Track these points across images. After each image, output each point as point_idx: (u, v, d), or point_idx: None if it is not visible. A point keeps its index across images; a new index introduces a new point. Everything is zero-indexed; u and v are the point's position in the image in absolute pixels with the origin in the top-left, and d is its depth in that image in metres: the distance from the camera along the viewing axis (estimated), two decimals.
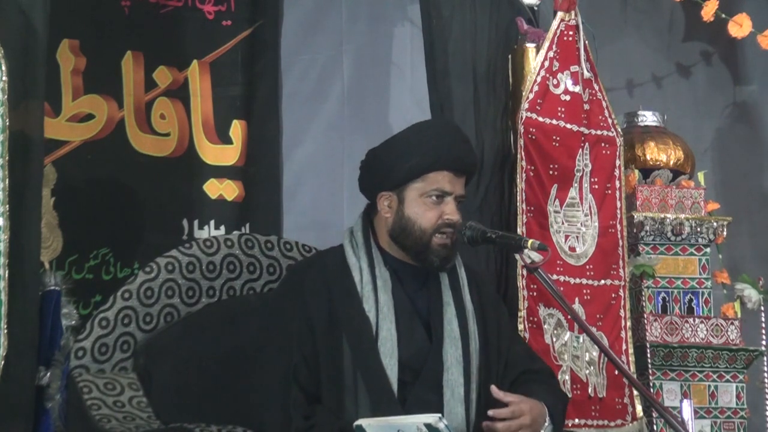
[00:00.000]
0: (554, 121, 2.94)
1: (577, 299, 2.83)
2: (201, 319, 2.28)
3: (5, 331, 2.11)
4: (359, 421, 1.85)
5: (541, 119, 2.92)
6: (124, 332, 2.20)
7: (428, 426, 1.75)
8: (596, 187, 3.00)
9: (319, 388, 2.00)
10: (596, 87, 3.06)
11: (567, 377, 2.70)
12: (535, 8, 3.02)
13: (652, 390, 3.03)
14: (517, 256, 1.98)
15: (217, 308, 2.30)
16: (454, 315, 2.08)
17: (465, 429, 1.99)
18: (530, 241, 1.96)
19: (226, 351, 2.22)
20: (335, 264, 2.11)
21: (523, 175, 2.85)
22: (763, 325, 3.22)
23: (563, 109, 2.96)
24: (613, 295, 2.91)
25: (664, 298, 3.20)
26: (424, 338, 2.06)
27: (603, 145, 3.05)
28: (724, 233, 3.25)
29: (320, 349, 2.01)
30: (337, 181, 3.20)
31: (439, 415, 1.76)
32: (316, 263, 2.14)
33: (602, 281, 2.91)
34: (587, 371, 2.75)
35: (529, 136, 2.89)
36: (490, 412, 1.92)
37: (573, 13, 2.95)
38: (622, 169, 3.05)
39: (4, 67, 2.11)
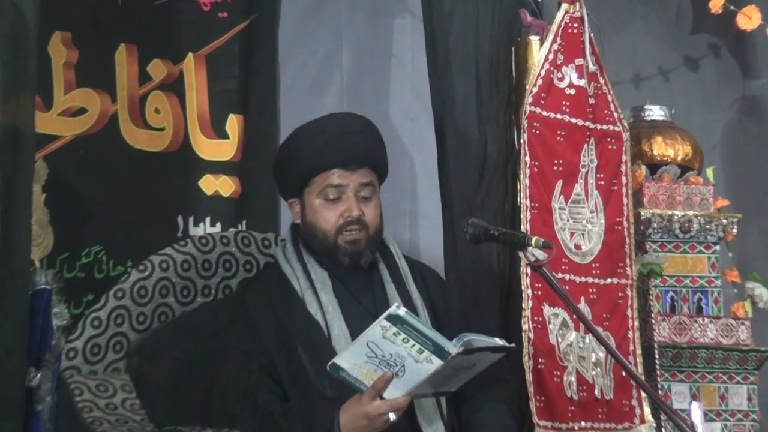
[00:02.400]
0: (559, 116, 2.93)
1: (582, 298, 2.82)
2: (196, 318, 2.27)
3: None
4: (332, 360, 1.87)
5: (545, 113, 2.91)
6: (117, 332, 2.19)
7: (391, 318, 1.75)
8: (602, 183, 2.99)
9: (285, 394, 2.01)
10: (602, 80, 3.04)
11: (573, 378, 2.69)
12: (539, 0, 3.00)
13: (660, 392, 3.02)
14: (521, 254, 1.97)
15: (213, 308, 2.29)
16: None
17: (438, 414, 1.98)
18: (534, 239, 1.95)
19: (222, 350, 2.20)
20: (273, 277, 2.14)
21: (527, 170, 2.83)
22: None
23: (568, 103, 2.95)
24: (619, 294, 2.90)
25: (672, 298, 3.18)
26: None
27: (609, 140, 3.03)
28: (734, 230, 3.23)
29: (277, 360, 2.03)
30: None
31: (396, 303, 1.76)
32: (253, 283, 2.18)
33: (609, 280, 2.90)
34: (593, 372, 2.74)
35: (533, 130, 2.87)
36: None
37: (578, 4, 2.94)
38: (629, 164, 3.03)
39: None
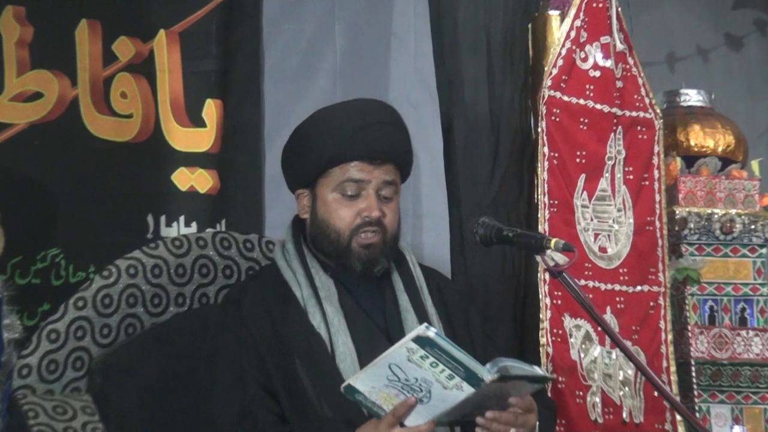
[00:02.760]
0: (582, 101, 2.95)
1: (608, 308, 2.83)
2: (169, 331, 2.27)
3: None
4: (347, 381, 1.85)
5: (566, 98, 2.92)
6: (78, 347, 2.18)
7: (419, 340, 1.73)
8: (631, 177, 3.00)
9: (284, 414, 2.01)
10: (631, 61, 3.06)
11: (597, 399, 2.70)
12: None
13: (698, 414, 3.02)
14: (539, 258, 1.97)
15: (187, 319, 2.29)
16: (416, 321, 2.08)
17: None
18: (554, 241, 1.95)
19: (198, 368, 2.19)
20: (271, 282, 2.13)
21: (546, 163, 2.85)
22: None
23: (592, 87, 2.97)
24: (651, 304, 2.91)
25: (711, 307, 3.19)
26: (386, 348, 2.04)
27: (639, 128, 3.05)
28: None
29: (275, 379, 2.02)
30: None
31: (425, 324, 1.75)
32: (249, 288, 2.16)
33: (638, 287, 2.91)
34: (621, 392, 2.75)
35: (553, 117, 2.89)
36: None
37: None
38: (662, 156, 3.05)
39: None
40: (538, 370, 1.89)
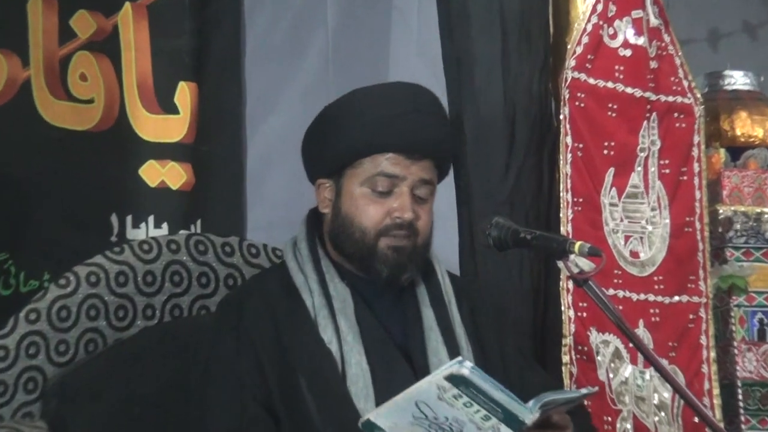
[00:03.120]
0: (610, 84, 2.94)
1: (641, 322, 2.83)
2: (136, 348, 2.27)
3: None
4: (367, 416, 1.84)
5: (592, 81, 2.92)
6: (30, 366, 2.18)
7: (452, 379, 1.72)
8: (667, 171, 3.00)
9: None
10: (667, 38, 3.05)
11: (629, 426, 2.70)
12: None
13: None
14: (561, 265, 1.97)
15: (157, 334, 2.30)
16: (441, 341, 2.09)
17: None
18: (578, 244, 1.95)
19: (170, 391, 2.21)
20: (278, 287, 2.12)
21: (569, 155, 2.84)
22: None
23: (622, 68, 2.96)
24: (690, 317, 2.91)
25: (761, 321, 3.19)
26: (406, 372, 2.06)
27: (676, 115, 3.04)
28: None
29: (275, 397, 2.02)
30: None
31: (459, 358, 1.74)
32: (253, 290, 2.15)
33: (676, 298, 2.91)
34: (656, 418, 2.75)
35: (577, 103, 2.89)
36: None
37: None
38: (703, 147, 3.04)
39: None
40: (583, 391, 1.89)
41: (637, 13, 2.98)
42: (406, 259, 2.07)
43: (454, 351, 2.08)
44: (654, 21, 3.01)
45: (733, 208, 3.23)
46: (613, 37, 2.96)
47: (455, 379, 1.72)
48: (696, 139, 3.05)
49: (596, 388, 1.98)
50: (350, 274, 2.11)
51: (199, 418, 2.04)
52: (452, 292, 2.17)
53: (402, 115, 2.07)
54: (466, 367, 1.71)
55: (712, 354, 2.90)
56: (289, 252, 2.16)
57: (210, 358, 2.08)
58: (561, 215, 2.81)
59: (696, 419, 2.73)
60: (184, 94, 3.02)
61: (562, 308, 2.73)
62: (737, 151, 3.35)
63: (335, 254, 2.13)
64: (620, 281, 2.84)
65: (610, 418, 2.66)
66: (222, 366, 2.05)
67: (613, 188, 2.90)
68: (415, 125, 2.07)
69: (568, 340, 2.70)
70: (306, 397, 2.00)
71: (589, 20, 2.92)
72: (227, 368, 2.04)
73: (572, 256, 1.94)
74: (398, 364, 2.06)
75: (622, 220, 2.90)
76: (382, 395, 1.98)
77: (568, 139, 2.85)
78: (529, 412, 1.74)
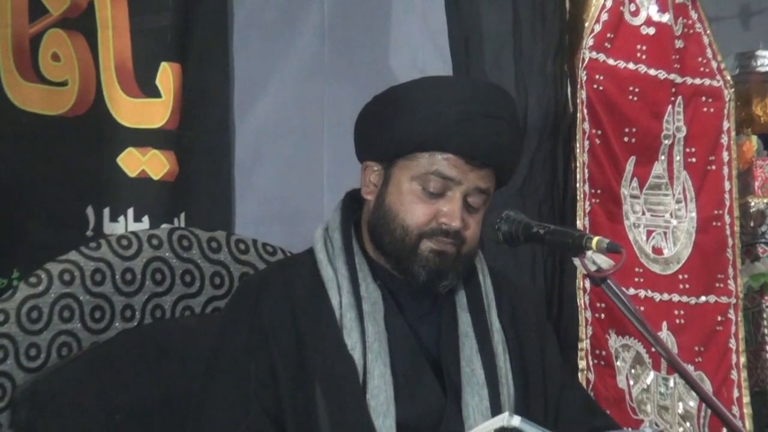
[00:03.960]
0: (632, 65, 2.95)
1: (665, 324, 2.83)
2: (113, 352, 2.27)
3: None
4: None
5: (612, 62, 2.92)
6: None
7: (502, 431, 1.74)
8: (694, 160, 3.00)
9: None
10: (694, 15, 3.06)
11: None
12: None
13: None
14: (577, 261, 1.97)
15: (137, 337, 2.30)
16: (476, 350, 2.09)
17: None
18: (596, 240, 1.95)
19: (151, 399, 2.22)
20: (303, 279, 2.11)
21: (586, 143, 2.85)
22: None
23: (645, 48, 2.96)
24: (718, 318, 2.91)
25: None
26: (434, 387, 2.06)
27: (704, 99, 3.05)
28: None
29: (285, 403, 2.01)
30: (313, 152, 3.19)
31: (506, 413, 1.74)
32: (274, 279, 2.14)
33: (702, 298, 2.91)
34: (681, 429, 2.76)
35: (595, 86, 2.89)
36: None
37: None
38: (733, 134, 3.04)
39: None
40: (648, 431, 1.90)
41: None
42: (448, 266, 2.07)
43: (489, 361, 2.08)
44: None
45: (765, 200, 3.24)
46: (635, 13, 2.96)
47: None
48: (725, 125, 3.06)
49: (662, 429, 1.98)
50: (384, 273, 2.11)
51: (195, 417, 2.05)
52: (492, 294, 2.16)
53: (472, 118, 2.06)
54: (516, 419, 1.72)
55: (742, 359, 2.90)
56: (319, 241, 2.14)
57: (217, 351, 2.08)
58: (577, 208, 2.81)
59: (724, 430, 2.74)
60: (167, 75, 3.02)
61: (578, 309, 2.73)
62: None
63: (371, 248, 2.13)
64: (642, 280, 2.85)
65: (630, 430, 2.67)
66: (229, 362, 2.05)
67: (635, 178, 2.91)
68: (483, 131, 2.06)
69: (584, 344, 2.70)
70: (319, 406, 1.99)
71: None
72: (234, 366, 2.04)
73: (589, 253, 1.94)
74: (427, 378, 2.06)
75: (643, 214, 2.91)
76: (403, 413, 2.00)
77: (585, 125, 2.86)
78: None
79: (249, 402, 2.00)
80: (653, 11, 2.97)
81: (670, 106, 2.99)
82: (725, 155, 3.04)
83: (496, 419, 1.75)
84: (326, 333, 2.04)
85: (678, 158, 2.98)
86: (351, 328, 2.04)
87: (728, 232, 2.97)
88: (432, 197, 2.06)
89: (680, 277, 2.90)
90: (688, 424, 2.78)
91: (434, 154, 2.06)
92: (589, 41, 2.89)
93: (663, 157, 2.96)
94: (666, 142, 2.97)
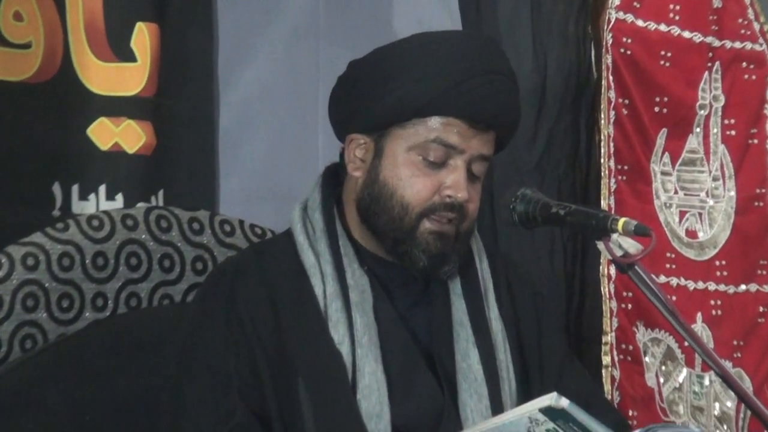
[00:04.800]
0: (663, 27, 2.95)
1: (699, 315, 2.84)
2: (83, 345, 2.27)
3: None
4: None
5: (641, 23, 2.93)
6: None
7: (548, 411, 1.77)
8: (733, 133, 3.00)
9: None
10: None
11: None
12: None
13: None
14: (601, 246, 1.97)
15: (110, 328, 2.31)
16: (472, 342, 2.09)
17: None
18: (622, 221, 1.95)
19: (125, 397, 2.23)
20: (281, 265, 2.11)
21: (612, 113, 2.85)
22: None
23: (678, 8, 2.97)
24: (760, 310, 2.92)
25: None
26: (430, 384, 2.07)
27: (744, 65, 3.05)
28: None
29: (269, 402, 2.02)
30: (307, 122, 3.19)
31: (555, 393, 1.77)
32: (249, 265, 2.14)
33: (742, 286, 2.92)
34: None
35: (622, 50, 2.89)
36: None
37: None
38: None
39: None
40: (694, 429, 1.91)
41: None
42: (449, 249, 2.08)
43: (487, 354, 2.09)
44: None
45: None
46: None
47: (552, 413, 1.77)
48: None
49: None
50: (371, 257, 2.12)
51: (172, 419, 2.04)
52: (490, 277, 2.17)
53: (474, 76, 2.06)
54: (563, 400, 1.76)
55: None
56: (297, 222, 2.14)
57: (191, 347, 2.08)
58: (602, 186, 2.81)
59: None
60: (143, 37, 3.01)
61: (603, 299, 2.74)
62: None
63: (357, 230, 2.13)
64: (674, 266, 2.85)
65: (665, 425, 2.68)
66: (206, 358, 2.05)
67: (666, 153, 2.91)
68: (487, 89, 2.06)
69: (609, 338, 2.71)
70: (304, 406, 2.00)
71: None
72: (212, 362, 2.04)
73: (615, 236, 1.94)
74: (421, 377, 2.06)
75: (676, 192, 2.91)
76: (397, 414, 2.00)
77: (611, 94, 2.86)
78: None
79: (233, 401, 2.00)
80: None
81: (706, 73, 2.99)
82: None
83: (543, 398, 1.77)
84: (310, 325, 2.05)
85: (715, 131, 2.98)
86: (337, 320, 2.05)
87: None
88: (433, 168, 2.06)
89: (717, 263, 2.90)
90: (725, 426, 2.79)
91: (433, 118, 2.06)
92: (615, 0, 2.88)
93: (698, 130, 2.96)
94: (702, 112, 2.97)
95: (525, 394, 2.09)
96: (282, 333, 2.04)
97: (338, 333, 2.03)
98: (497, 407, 2.05)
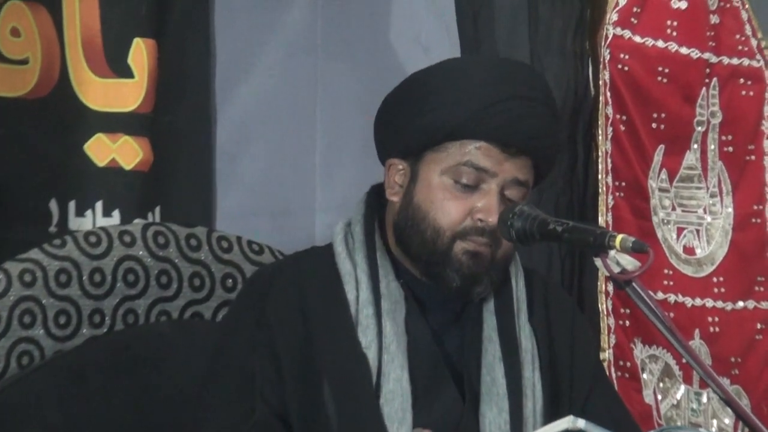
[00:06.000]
0: (661, 43, 2.95)
1: (697, 332, 2.83)
2: (80, 362, 2.27)
3: None
4: None
5: (638, 39, 2.93)
6: None
7: None
8: (731, 149, 3.00)
9: None
10: None
11: None
12: None
13: None
14: (598, 262, 1.97)
15: (107, 345, 2.31)
16: (499, 357, 2.10)
17: None
18: (620, 238, 1.95)
19: (122, 414, 2.23)
20: (317, 271, 2.14)
21: (609, 129, 2.85)
22: None
23: (675, 24, 2.96)
24: (758, 326, 2.91)
25: None
26: (453, 396, 2.08)
27: (742, 81, 3.05)
28: None
29: (291, 402, 2.04)
30: (305, 137, 3.19)
31: (570, 417, 1.77)
32: (286, 270, 2.17)
33: (740, 303, 2.91)
34: None
35: (620, 66, 2.89)
36: None
37: None
38: None
39: None
40: None
41: None
42: (483, 270, 2.08)
43: (513, 370, 2.10)
44: None
45: None
46: None
47: None
48: (767, 110, 3.05)
49: None
50: (408, 274, 2.13)
51: (196, 417, 2.07)
52: (524, 296, 2.18)
53: (503, 100, 2.07)
54: (580, 421, 1.76)
55: None
56: (339, 234, 2.17)
57: (220, 348, 2.12)
58: (599, 202, 2.81)
59: None
60: (140, 53, 3.02)
61: (600, 315, 2.74)
62: None
63: (395, 248, 2.15)
64: (671, 283, 2.85)
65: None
66: (232, 359, 2.08)
67: (664, 170, 2.91)
68: (516, 113, 2.07)
69: (607, 354, 2.71)
70: (328, 407, 2.02)
71: None
72: (237, 362, 2.07)
73: (612, 252, 1.93)
74: (445, 388, 2.08)
75: (674, 209, 2.91)
76: (418, 422, 2.01)
77: (609, 110, 2.86)
78: None
79: (253, 400, 2.03)
80: None
81: (704, 89, 2.99)
82: (766, 144, 3.05)
83: (560, 421, 1.77)
84: (338, 328, 2.07)
85: (713, 147, 2.98)
86: (367, 325, 2.07)
87: None
88: (465, 191, 2.07)
89: (715, 280, 2.90)
90: None
91: (465, 142, 2.07)
92: (613, 16, 2.89)
93: (696, 146, 2.96)
94: (699, 128, 2.97)
95: (553, 413, 2.09)
96: (309, 334, 2.07)
97: (366, 338, 2.06)
98: (517, 423, 2.06)
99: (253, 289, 2.17)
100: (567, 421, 1.77)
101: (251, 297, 2.14)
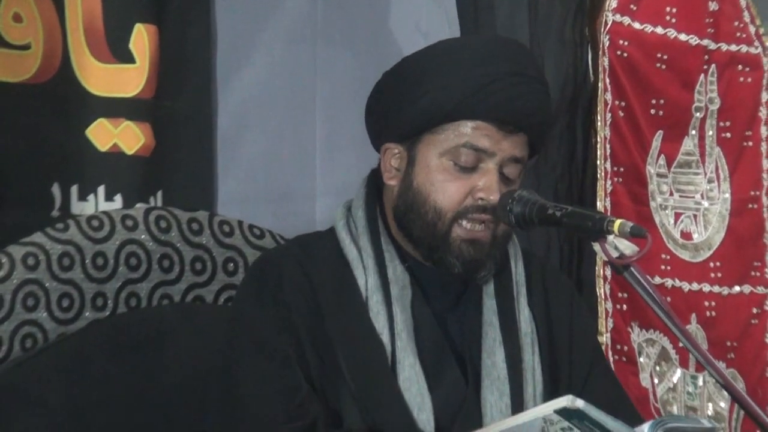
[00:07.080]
0: (660, 30, 2.95)
1: (694, 316, 2.84)
2: (83, 344, 2.28)
3: None
4: None
5: (637, 26, 2.93)
6: None
7: (563, 412, 1.79)
8: (728, 135, 3.01)
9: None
10: None
11: None
12: None
13: None
14: (597, 247, 1.98)
15: (109, 328, 2.31)
16: (499, 341, 2.12)
17: None
18: (618, 223, 1.96)
19: (124, 397, 2.24)
20: (324, 257, 2.15)
21: (608, 116, 2.85)
22: None
23: (675, 10, 2.97)
24: (754, 311, 2.92)
25: None
26: (458, 381, 2.10)
27: (740, 68, 3.05)
28: None
29: (314, 381, 2.05)
30: (305, 123, 3.19)
31: (571, 396, 1.79)
32: (293, 255, 2.17)
33: (736, 288, 2.92)
34: None
35: (619, 52, 2.89)
36: None
37: None
38: None
39: None
40: (705, 423, 1.92)
41: None
42: (483, 254, 2.10)
43: (513, 354, 2.11)
44: None
45: None
46: None
47: (567, 413, 1.79)
48: (764, 96, 3.06)
49: (722, 425, 2.00)
50: (411, 258, 2.15)
51: (233, 402, 2.07)
52: (524, 279, 2.19)
53: (499, 78, 2.08)
54: (579, 401, 1.77)
55: None
56: (340, 220, 2.18)
57: (243, 328, 2.10)
58: (597, 187, 2.82)
59: None
60: (141, 38, 3.01)
61: (598, 300, 2.74)
62: None
63: (397, 232, 2.16)
64: (669, 268, 2.86)
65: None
66: (261, 337, 2.07)
67: (662, 155, 2.91)
68: (512, 92, 2.09)
69: (604, 338, 2.72)
70: (348, 387, 2.04)
71: None
72: (268, 339, 2.06)
73: (611, 237, 1.94)
74: (450, 373, 2.09)
75: (671, 194, 2.92)
76: (437, 405, 2.04)
77: (608, 96, 2.86)
78: None
79: (297, 376, 2.04)
80: None
81: (702, 76, 2.99)
82: (763, 130, 3.05)
83: (559, 400, 1.79)
84: (352, 312, 2.09)
85: (710, 133, 2.98)
86: (378, 311, 2.09)
87: (766, 216, 2.98)
88: (464, 172, 2.09)
89: (711, 264, 2.91)
90: (720, 425, 2.79)
91: (462, 123, 2.08)
92: (612, 3, 2.90)
93: (694, 132, 2.97)
94: (697, 115, 2.98)
95: (552, 396, 2.08)
96: (323, 317, 2.08)
97: (378, 323, 2.08)
98: (518, 406, 2.08)
99: (264, 271, 2.16)
100: (566, 400, 1.79)
101: (267, 277, 2.13)
